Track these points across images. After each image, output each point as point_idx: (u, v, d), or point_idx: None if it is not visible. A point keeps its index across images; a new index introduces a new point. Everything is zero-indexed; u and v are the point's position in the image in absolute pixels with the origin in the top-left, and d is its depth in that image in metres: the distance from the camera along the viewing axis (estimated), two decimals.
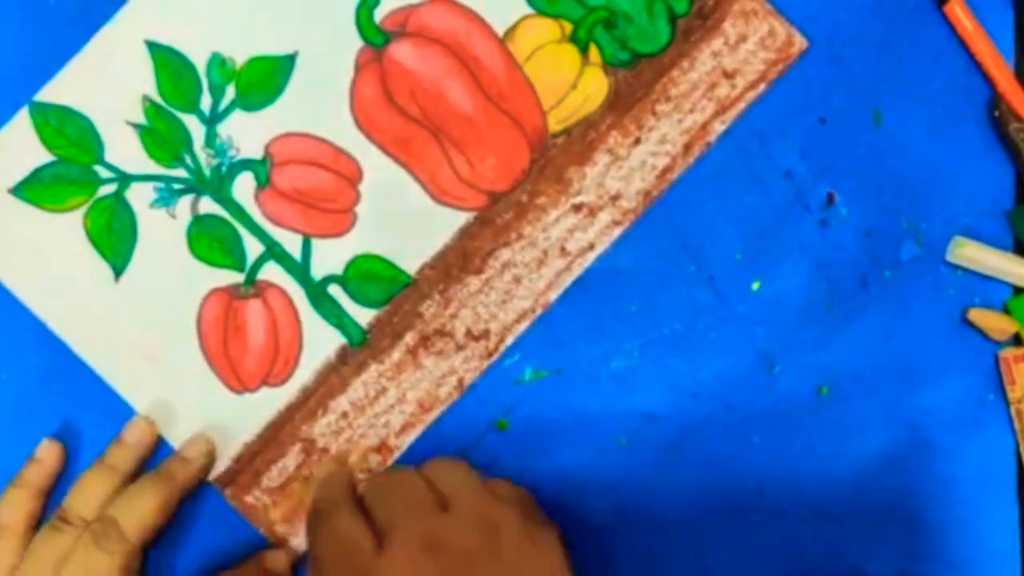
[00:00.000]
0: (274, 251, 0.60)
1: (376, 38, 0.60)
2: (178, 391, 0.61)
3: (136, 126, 0.60)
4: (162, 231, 0.60)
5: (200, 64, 0.60)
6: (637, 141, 0.60)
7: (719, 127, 0.60)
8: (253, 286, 0.61)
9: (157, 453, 0.60)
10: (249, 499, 0.60)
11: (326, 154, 0.60)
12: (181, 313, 0.61)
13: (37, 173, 0.60)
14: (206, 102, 0.60)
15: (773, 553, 0.60)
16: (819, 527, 0.60)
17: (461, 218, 0.61)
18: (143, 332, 0.60)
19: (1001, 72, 0.59)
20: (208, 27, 0.60)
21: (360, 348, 0.61)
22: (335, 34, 0.60)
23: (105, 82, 0.60)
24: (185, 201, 0.60)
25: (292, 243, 0.61)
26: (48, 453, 0.60)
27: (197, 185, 0.60)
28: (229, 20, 0.61)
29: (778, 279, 0.60)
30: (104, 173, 0.60)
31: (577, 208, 0.60)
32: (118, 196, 0.60)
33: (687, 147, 0.60)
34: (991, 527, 0.60)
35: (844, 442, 0.60)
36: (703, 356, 0.60)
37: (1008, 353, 0.59)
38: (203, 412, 0.61)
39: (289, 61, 0.60)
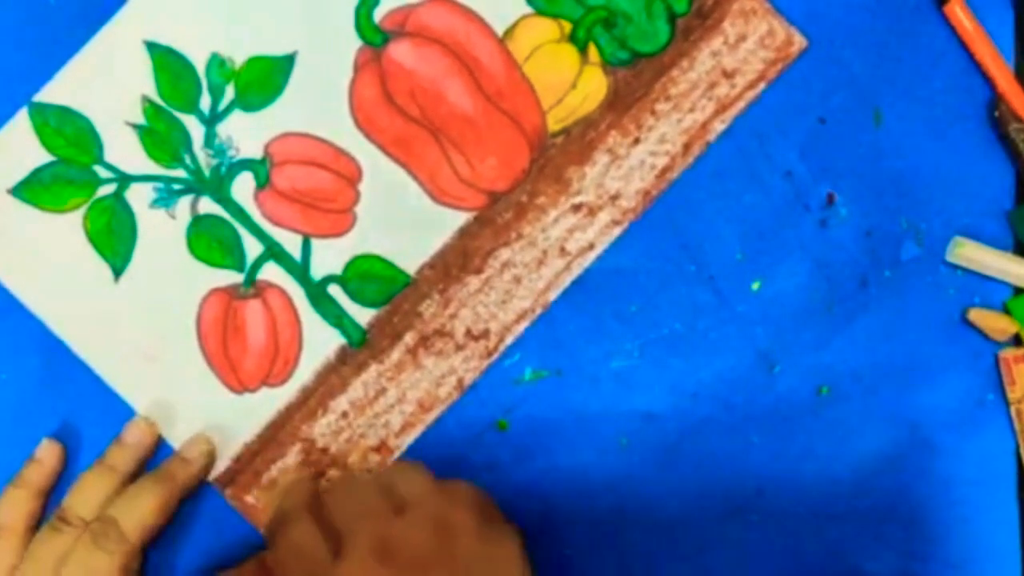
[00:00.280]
0: (274, 251, 0.60)
1: (375, 38, 0.60)
2: (178, 391, 0.61)
3: (135, 126, 0.60)
4: (162, 231, 0.60)
5: (199, 64, 0.60)
6: (636, 141, 0.60)
7: (719, 126, 0.60)
8: (253, 286, 0.61)
9: (157, 453, 0.60)
10: (249, 499, 0.60)
11: (325, 154, 0.60)
12: (181, 313, 0.61)
13: (36, 173, 0.60)
14: (205, 102, 0.60)
15: (773, 553, 0.60)
16: (819, 527, 0.60)
17: (461, 218, 0.61)
18: (143, 332, 0.60)
19: (1001, 72, 0.59)
20: (207, 27, 0.60)
21: (360, 348, 0.61)
22: (334, 34, 0.60)
23: (104, 82, 0.60)
24: (185, 201, 0.60)
25: (292, 243, 0.61)
26: (48, 453, 0.60)
27: (196, 185, 0.60)
28: (228, 20, 0.61)
29: (778, 279, 0.60)
30: (103, 173, 0.60)
31: (577, 208, 0.60)
32: (117, 196, 0.60)
33: (686, 146, 0.60)
34: (991, 527, 0.60)
35: (844, 442, 0.60)
36: (703, 356, 0.60)
37: (1008, 353, 0.59)
38: (203, 412, 0.61)
39: (288, 61, 0.60)
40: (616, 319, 0.60)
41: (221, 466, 0.60)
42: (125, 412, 0.60)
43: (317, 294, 0.60)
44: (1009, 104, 0.59)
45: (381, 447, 0.61)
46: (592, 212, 0.60)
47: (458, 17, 0.60)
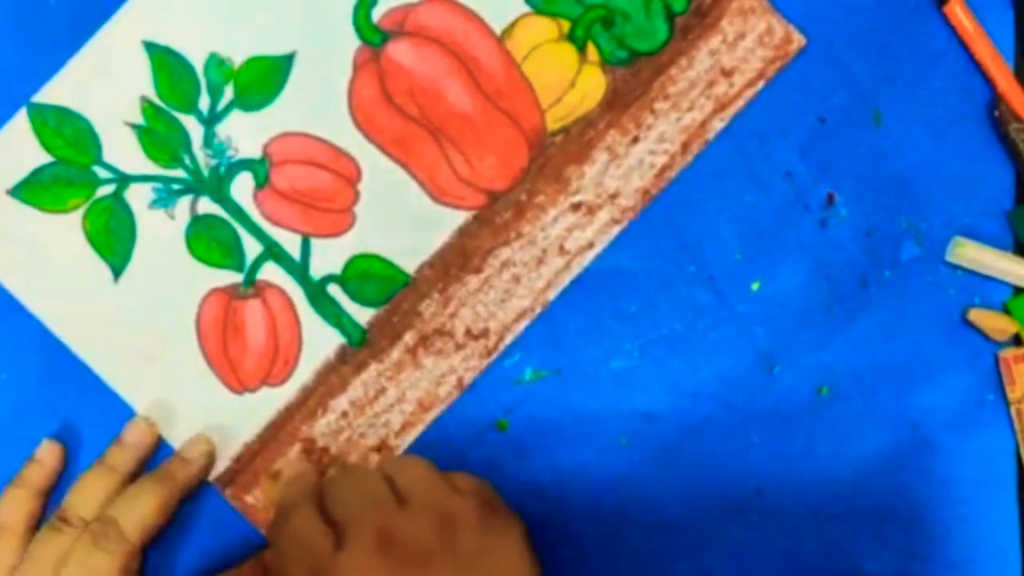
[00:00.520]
0: (273, 251, 0.60)
1: (374, 37, 0.60)
2: (178, 391, 0.61)
3: (134, 127, 0.60)
4: (161, 231, 0.60)
5: (198, 64, 0.60)
6: (635, 139, 0.60)
7: (718, 125, 0.60)
8: (252, 286, 0.61)
9: (157, 453, 0.60)
10: (249, 499, 0.60)
11: (325, 154, 0.60)
12: (180, 313, 0.61)
13: (36, 174, 0.60)
14: (204, 102, 0.60)
15: (773, 553, 0.60)
16: (819, 527, 0.60)
17: (460, 217, 0.60)
18: (142, 332, 0.60)
19: (1001, 72, 0.59)
20: (206, 27, 0.60)
21: (360, 348, 0.61)
22: (333, 34, 0.60)
23: (103, 83, 0.60)
24: (184, 201, 0.60)
25: (291, 243, 0.60)
26: (48, 453, 0.60)
27: (196, 185, 0.60)
28: (227, 20, 0.60)
29: (778, 279, 0.60)
30: (103, 174, 0.60)
31: (576, 207, 0.60)
32: (117, 197, 0.60)
33: (685, 145, 0.60)
34: (991, 527, 0.60)
35: (844, 442, 0.60)
36: (703, 356, 0.60)
37: (1008, 353, 0.59)
38: (203, 412, 0.61)
39: (287, 61, 0.60)
40: (616, 319, 0.60)
41: (221, 466, 0.60)
42: (125, 412, 0.60)
43: (317, 294, 0.60)
44: (1009, 104, 0.59)
45: (381, 447, 0.61)
46: (591, 211, 0.60)
47: (457, 16, 0.60)
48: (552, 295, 0.60)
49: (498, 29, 0.60)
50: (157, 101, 0.60)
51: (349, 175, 0.60)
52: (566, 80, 0.60)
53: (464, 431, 0.61)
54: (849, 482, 0.60)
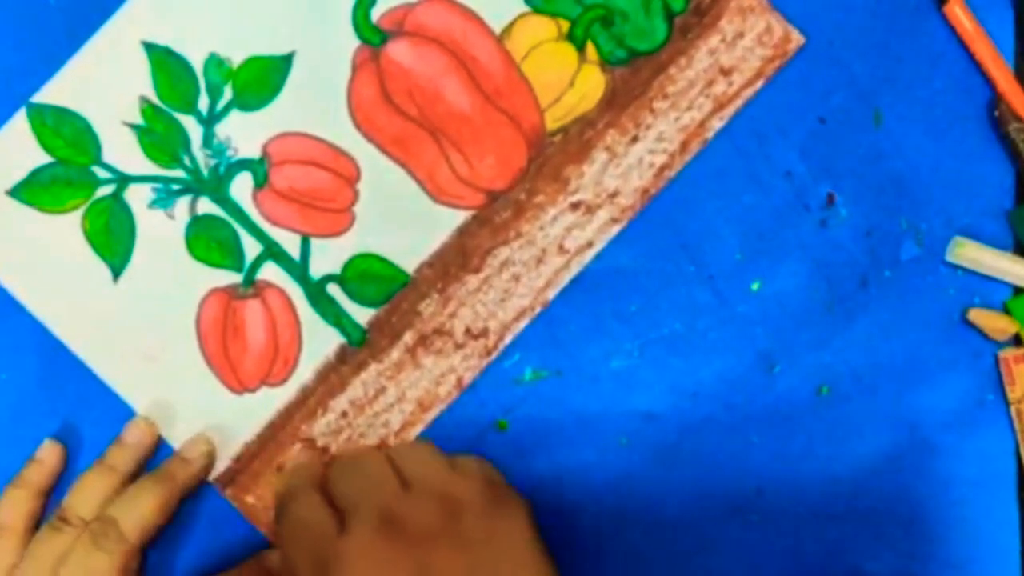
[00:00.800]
0: (272, 251, 0.60)
1: (373, 37, 0.60)
2: (178, 391, 0.61)
3: (134, 127, 0.60)
4: (160, 232, 0.60)
5: (197, 64, 0.60)
6: (635, 139, 0.60)
7: (717, 124, 0.60)
8: (252, 286, 0.61)
9: (157, 453, 0.60)
10: (249, 499, 0.60)
11: (324, 154, 0.60)
12: (180, 313, 0.61)
13: (35, 174, 0.60)
14: (203, 102, 0.60)
15: (773, 553, 0.60)
16: (819, 527, 0.60)
17: (459, 217, 0.60)
18: (142, 333, 0.60)
19: (1001, 72, 0.59)
20: (205, 27, 0.60)
21: (359, 347, 0.60)
22: (332, 33, 0.60)
23: (102, 83, 0.60)
24: (183, 202, 0.60)
25: (290, 243, 0.60)
26: (49, 453, 0.60)
27: (195, 185, 0.60)
28: (226, 20, 0.60)
29: (778, 279, 0.60)
30: (102, 174, 0.60)
31: (575, 206, 0.60)
32: (116, 197, 0.60)
33: (685, 145, 0.60)
34: (991, 527, 0.60)
35: (844, 442, 0.60)
36: (703, 356, 0.60)
37: (1008, 353, 0.59)
38: (203, 412, 0.61)
39: (286, 61, 0.60)
40: (616, 319, 0.60)
41: (221, 466, 0.61)
42: (125, 412, 0.60)
43: (316, 294, 0.60)
44: (1009, 104, 0.59)
45: (381, 446, 0.61)
46: (591, 210, 0.60)
47: (456, 16, 0.60)
48: (552, 295, 0.60)
49: (497, 29, 0.60)
50: (156, 101, 0.60)
51: (348, 175, 0.60)
52: (565, 80, 0.60)
53: (464, 431, 0.61)
54: (849, 482, 0.60)
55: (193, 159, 0.60)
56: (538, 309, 0.60)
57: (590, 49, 0.60)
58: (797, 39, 0.60)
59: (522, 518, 0.53)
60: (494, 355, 0.60)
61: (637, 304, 0.60)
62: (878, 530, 0.60)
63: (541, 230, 0.60)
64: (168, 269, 0.60)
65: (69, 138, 0.60)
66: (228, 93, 0.60)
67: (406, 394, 0.61)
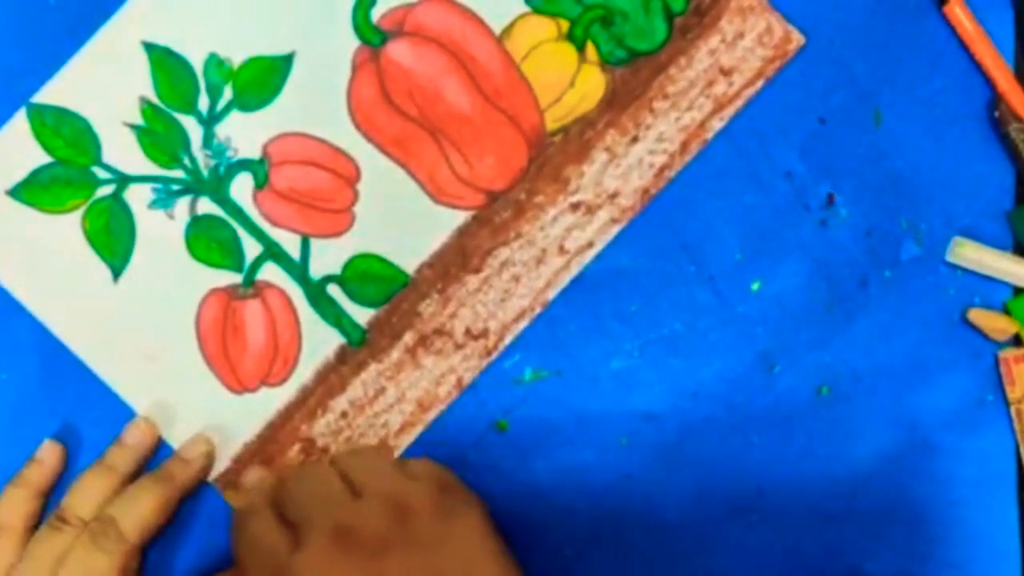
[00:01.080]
0: (272, 251, 0.60)
1: (373, 37, 0.60)
2: (177, 392, 0.61)
3: (134, 127, 0.60)
4: (160, 232, 0.60)
5: (197, 65, 0.60)
6: (635, 139, 0.60)
7: (717, 125, 0.60)
8: (252, 286, 0.60)
9: (157, 453, 0.60)
10: None
11: (324, 154, 0.60)
12: (180, 314, 0.61)
13: (35, 175, 0.60)
14: (203, 103, 0.60)
15: (773, 553, 0.60)
16: (819, 527, 0.60)
17: (459, 217, 0.60)
18: (142, 333, 0.60)
19: (1001, 72, 0.59)
20: (205, 28, 0.60)
21: (359, 348, 0.60)
22: (332, 34, 0.60)
23: (102, 83, 0.60)
24: (183, 202, 0.60)
25: (290, 243, 0.60)
26: (49, 453, 0.60)
27: (195, 186, 0.60)
28: (226, 20, 0.60)
29: (778, 279, 0.60)
30: (102, 174, 0.60)
31: (575, 206, 0.60)
32: (116, 197, 0.60)
33: (685, 145, 0.60)
34: (991, 527, 0.60)
35: (844, 442, 0.60)
36: (703, 356, 0.60)
37: (1008, 353, 0.59)
38: (203, 412, 0.61)
39: (286, 61, 0.60)
40: (616, 319, 0.60)
41: (221, 466, 0.60)
42: (125, 412, 0.60)
43: (316, 294, 0.60)
44: (1009, 104, 0.59)
45: (381, 447, 0.61)
46: (591, 210, 0.60)
47: (456, 16, 0.60)
48: (552, 295, 0.60)
49: (497, 29, 0.60)
50: (156, 101, 0.60)
51: (348, 175, 0.60)
52: (565, 80, 0.60)
53: (464, 431, 0.61)
54: (849, 482, 0.60)
55: (193, 159, 0.60)
56: (538, 309, 0.60)
57: (590, 49, 0.60)
58: (797, 39, 0.60)
59: (476, 518, 0.52)
60: (494, 355, 0.60)
61: (637, 304, 0.60)
62: (878, 530, 0.60)
63: (541, 230, 0.60)
64: (168, 269, 0.60)
65: (69, 138, 0.60)
66: (228, 93, 0.60)
67: (406, 394, 0.61)
